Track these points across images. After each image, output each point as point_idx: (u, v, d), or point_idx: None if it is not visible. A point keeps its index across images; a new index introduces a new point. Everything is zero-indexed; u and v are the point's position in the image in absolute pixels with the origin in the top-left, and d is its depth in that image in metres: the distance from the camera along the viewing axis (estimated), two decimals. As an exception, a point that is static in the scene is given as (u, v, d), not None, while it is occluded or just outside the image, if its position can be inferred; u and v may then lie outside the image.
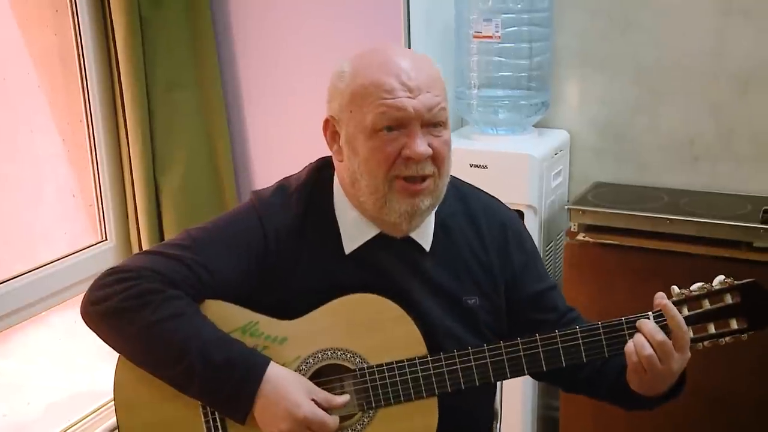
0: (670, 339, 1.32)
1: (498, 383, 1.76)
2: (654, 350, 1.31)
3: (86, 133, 2.38)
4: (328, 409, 1.35)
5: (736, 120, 2.47)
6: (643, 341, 1.31)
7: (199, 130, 2.51)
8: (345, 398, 1.37)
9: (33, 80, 2.29)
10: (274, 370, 1.34)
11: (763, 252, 2.13)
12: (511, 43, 2.42)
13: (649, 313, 1.36)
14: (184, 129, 2.46)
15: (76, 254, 2.35)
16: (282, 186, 1.49)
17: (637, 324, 1.34)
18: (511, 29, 2.41)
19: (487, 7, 2.39)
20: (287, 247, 1.42)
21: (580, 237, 2.33)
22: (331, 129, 1.41)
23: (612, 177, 2.64)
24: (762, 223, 2.14)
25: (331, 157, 1.46)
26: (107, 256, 2.40)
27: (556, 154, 2.51)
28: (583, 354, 1.36)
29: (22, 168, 2.28)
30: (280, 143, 2.57)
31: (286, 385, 1.33)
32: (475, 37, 2.43)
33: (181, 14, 2.41)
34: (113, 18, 2.26)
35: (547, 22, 2.50)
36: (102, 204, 2.43)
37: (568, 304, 1.56)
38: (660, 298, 1.35)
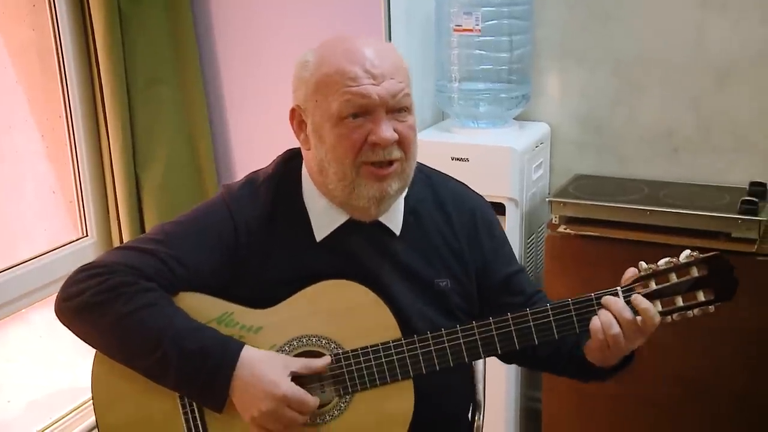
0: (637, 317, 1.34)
1: (481, 375, 1.78)
2: (621, 329, 1.33)
3: (66, 129, 2.36)
4: (309, 376, 1.37)
5: (715, 112, 2.49)
6: (611, 320, 1.33)
7: (180, 126, 2.50)
8: (326, 359, 1.37)
9: (11, 76, 2.28)
10: (248, 352, 1.35)
11: (741, 242, 2.15)
12: (492, 36, 2.43)
13: (617, 288, 1.37)
14: (165, 125, 2.44)
15: (56, 251, 2.34)
16: (251, 179, 1.51)
17: (604, 302, 1.35)
18: (491, 22, 2.41)
19: (467, 0, 2.40)
20: (258, 239, 1.44)
21: (561, 229, 2.34)
22: (297, 118, 1.43)
23: (593, 169, 2.65)
24: (740, 213, 2.16)
25: (299, 148, 1.48)
26: (88, 253, 2.39)
27: (537, 146, 2.52)
28: (555, 331, 1.37)
29: (1, 164, 2.27)
30: (261, 139, 2.57)
31: (262, 367, 1.34)
32: (455, 30, 2.43)
33: (161, 10, 2.40)
34: (92, 13, 2.24)
35: (527, 15, 2.50)
36: (82, 200, 2.41)
37: (535, 286, 1.58)
38: (630, 272, 1.37)
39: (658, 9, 2.48)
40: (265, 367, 1.34)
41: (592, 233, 2.31)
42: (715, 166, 2.51)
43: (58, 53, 2.31)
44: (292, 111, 1.43)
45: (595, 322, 1.34)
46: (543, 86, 2.66)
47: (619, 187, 2.48)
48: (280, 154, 1.54)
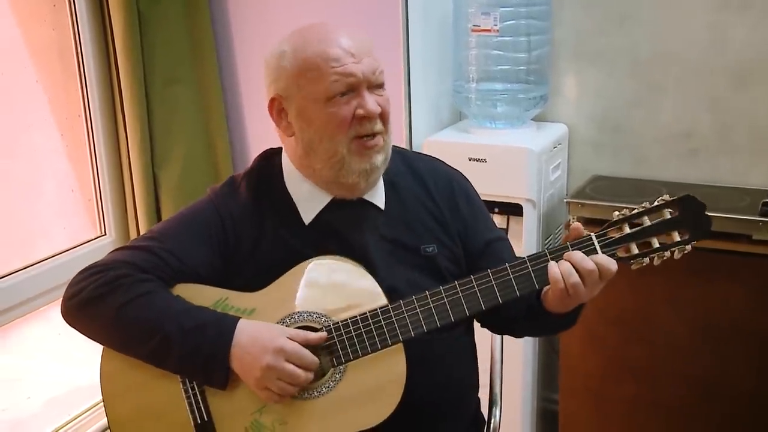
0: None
1: (498, 375, 1.78)
2: (581, 277, 1.35)
3: (85, 128, 2.38)
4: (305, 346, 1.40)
5: (734, 113, 2.47)
6: (570, 268, 1.35)
7: (198, 125, 2.51)
8: (321, 334, 1.40)
9: (31, 75, 2.29)
10: (245, 322, 1.40)
11: (761, 245, 2.13)
12: (510, 36, 2.42)
13: (591, 234, 1.39)
14: (183, 124, 2.46)
15: (75, 249, 2.36)
16: (231, 177, 1.59)
17: (565, 255, 1.37)
18: (509, 22, 2.41)
19: (485, 0, 2.39)
20: (245, 230, 1.49)
21: (578, 230, 2.33)
22: (277, 107, 1.49)
23: (610, 170, 2.64)
24: (761, 215, 2.15)
25: (278, 147, 1.57)
26: (106, 251, 2.35)
27: (554, 147, 2.51)
28: (534, 281, 1.39)
29: (21, 163, 2.28)
30: (277, 138, 2.57)
31: (260, 330, 1.39)
32: (473, 30, 2.42)
33: (179, 10, 2.41)
34: (111, 13, 2.26)
35: (545, 15, 2.50)
36: (101, 199, 2.43)
37: (517, 256, 1.59)
38: (574, 229, 1.39)
39: (676, 10, 2.46)
40: (263, 330, 1.39)
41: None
42: (734, 167, 2.50)
43: (77, 53, 2.32)
44: (272, 101, 1.49)
45: (554, 270, 1.36)
46: (561, 87, 2.66)
47: (637, 189, 2.47)
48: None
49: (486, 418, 1.71)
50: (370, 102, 1.42)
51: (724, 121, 2.49)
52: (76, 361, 2.44)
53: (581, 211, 2.34)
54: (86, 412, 2.39)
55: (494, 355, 1.81)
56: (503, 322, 1.62)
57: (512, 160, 2.35)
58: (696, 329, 2.24)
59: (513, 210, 2.39)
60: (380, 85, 1.46)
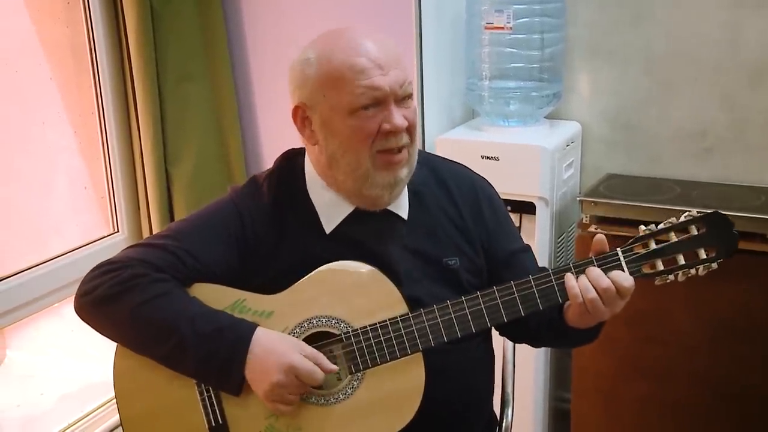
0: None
1: (510, 375, 1.78)
2: (598, 294, 1.34)
3: (98, 125, 2.38)
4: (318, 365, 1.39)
5: (749, 111, 2.45)
6: (588, 285, 1.34)
7: (210, 122, 2.51)
8: (333, 367, 1.39)
9: (45, 72, 2.30)
10: (261, 331, 1.38)
11: (776, 244, 2.12)
12: (523, 34, 2.41)
13: (618, 249, 1.38)
14: (196, 121, 2.46)
15: (88, 246, 2.37)
16: (254, 177, 1.56)
17: (586, 271, 1.36)
18: (522, 20, 2.39)
19: (498, -3, 2.39)
20: (265, 231, 1.48)
21: (592, 229, 2.32)
22: (301, 115, 1.45)
23: (624, 168, 2.63)
24: (775, 214, 2.13)
25: (300, 148, 1.53)
26: (119, 248, 2.35)
27: (567, 145, 2.50)
28: (558, 295, 1.38)
29: (35, 160, 2.29)
30: (290, 135, 2.55)
31: (274, 343, 1.37)
32: (486, 28, 2.42)
33: (192, 6, 2.42)
34: (125, 10, 2.26)
35: (559, 12, 2.48)
36: (114, 196, 2.43)
37: (541, 267, 1.58)
38: (598, 243, 1.38)
39: (691, 7, 2.45)
40: (278, 344, 1.37)
41: (623, 233, 2.28)
42: (748, 165, 2.48)
43: (91, 50, 2.33)
44: (296, 108, 1.46)
45: (572, 284, 1.35)
46: (574, 85, 2.64)
47: (651, 187, 2.45)
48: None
49: (498, 418, 1.71)
50: (397, 117, 1.39)
51: (738, 120, 2.47)
52: (89, 358, 2.45)
53: (594, 210, 2.33)
54: (99, 408, 2.40)
55: (506, 355, 1.80)
56: (523, 333, 1.60)
57: (525, 158, 2.34)
58: (709, 329, 2.22)
59: (526, 208, 2.38)
60: (408, 97, 1.42)
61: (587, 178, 2.66)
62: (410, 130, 1.42)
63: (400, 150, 1.41)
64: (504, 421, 1.73)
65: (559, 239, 2.49)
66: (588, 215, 2.33)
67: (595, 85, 2.63)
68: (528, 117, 2.52)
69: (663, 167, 2.58)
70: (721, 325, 2.21)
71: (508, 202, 2.35)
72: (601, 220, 2.33)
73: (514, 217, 2.39)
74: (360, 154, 1.40)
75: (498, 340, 1.76)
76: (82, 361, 2.45)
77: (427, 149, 2.46)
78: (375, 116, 1.38)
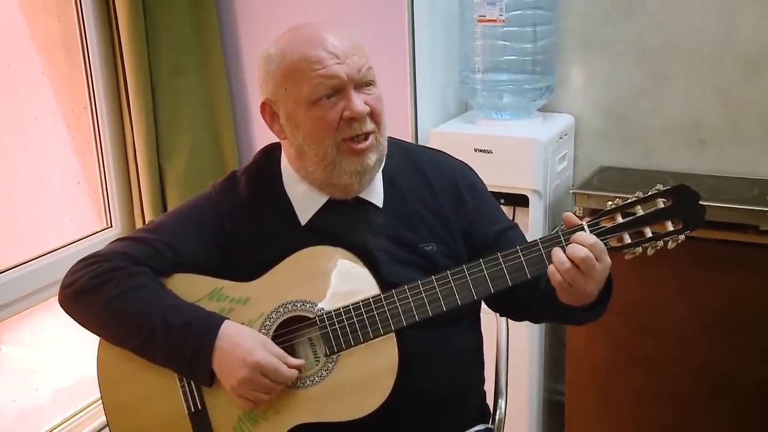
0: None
1: (504, 366, 1.78)
2: (575, 264, 1.32)
3: (90, 120, 2.38)
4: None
5: (743, 103, 2.45)
6: (562, 257, 1.33)
7: (204, 117, 2.51)
8: (300, 361, 1.41)
9: (37, 67, 2.30)
10: (229, 325, 1.41)
11: (769, 235, 2.12)
12: (516, 26, 2.41)
13: (583, 223, 1.38)
14: (189, 115, 2.46)
15: (81, 241, 2.36)
16: (233, 172, 1.59)
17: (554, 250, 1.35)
18: (515, 13, 2.39)
19: (491, -10, 2.38)
20: (242, 224, 1.50)
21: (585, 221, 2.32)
22: (269, 111, 1.48)
23: (617, 161, 2.63)
24: (769, 206, 2.14)
25: (278, 142, 1.54)
26: (113, 243, 2.40)
27: (560, 138, 2.50)
28: (527, 271, 1.38)
29: (28, 155, 2.29)
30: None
31: (240, 338, 1.39)
32: (479, 20, 2.41)
33: (184, 1, 2.41)
34: (116, 5, 2.26)
35: (551, 5, 2.48)
36: (107, 191, 2.43)
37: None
38: (567, 218, 1.39)
39: (685, -2, 2.45)
40: (243, 339, 1.39)
41: (616, 225, 2.28)
42: (742, 157, 2.48)
43: (83, 45, 2.32)
44: (263, 105, 1.48)
45: (549, 267, 1.35)
46: (567, 77, 2.64)
47: (644, 180, 2.45)
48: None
49: (491, 410, 1.71)
50: (357, 102, 1.40)
51: (732, 111, 2.47)
52: (83, 353, 2.45)
53: (588, 202, 2.33)
54: (94, 403, 2.40)
55: (500, 346, 1.81)
56: (518, 309, 1.59)
57: (518, 151, 2.34)
58: (703, 320, 2.23)
59: (519, 201, 2.38)
60: (369, 83, 1.44)
61: (580, 171, 2.66)
62: (375, 116, 1.44)
63: (367, 137, 1.43)
64: (497, 413, 1.73)
65: (553, 232, 2.49)
66: (581, 208, 2.33)
67: (588, 77, 2.63)
68: (521, 110, 2.52)
69: (657, 159, 2.58)
70: (715, 316, 2.21)
71: (501, 194, 2.36)
72: (595, 213, 2.32)
73: (508, 210, 2.39)
74: (325, 144, 1.42)
75: (491, 331, 1.76)
76: (76, 356, 2.45)
77: (420, 142, 2.46)
78: (336, 105, 1.40)
